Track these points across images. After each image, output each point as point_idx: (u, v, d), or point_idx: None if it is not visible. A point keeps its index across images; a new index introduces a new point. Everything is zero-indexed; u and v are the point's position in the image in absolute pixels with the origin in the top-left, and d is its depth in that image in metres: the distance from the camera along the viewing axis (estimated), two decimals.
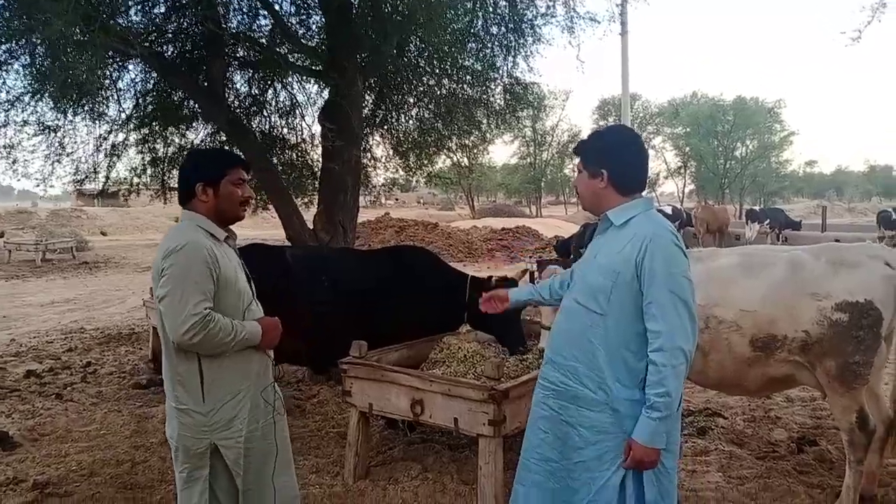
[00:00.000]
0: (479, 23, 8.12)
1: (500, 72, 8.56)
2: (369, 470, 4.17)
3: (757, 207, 29.00)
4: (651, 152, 53.52)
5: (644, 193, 2.52)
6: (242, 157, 2.83)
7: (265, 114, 8.59)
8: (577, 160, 2.59)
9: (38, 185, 7.73)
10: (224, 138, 7.88)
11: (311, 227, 6.63)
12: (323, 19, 7.23)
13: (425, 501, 3.76)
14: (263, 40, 7.33)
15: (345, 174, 6.72)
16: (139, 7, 6.75)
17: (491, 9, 8.08)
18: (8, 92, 6.65)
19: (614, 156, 2.47)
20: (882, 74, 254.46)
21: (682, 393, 2.33)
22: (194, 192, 2.56)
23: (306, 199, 8.49)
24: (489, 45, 8.32)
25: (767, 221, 22.03)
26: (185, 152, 3.07)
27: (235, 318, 2.51)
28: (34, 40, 5.11)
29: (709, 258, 3.92)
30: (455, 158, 12.16)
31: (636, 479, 2.36)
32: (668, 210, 22.44)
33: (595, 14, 8.16)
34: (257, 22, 7.51)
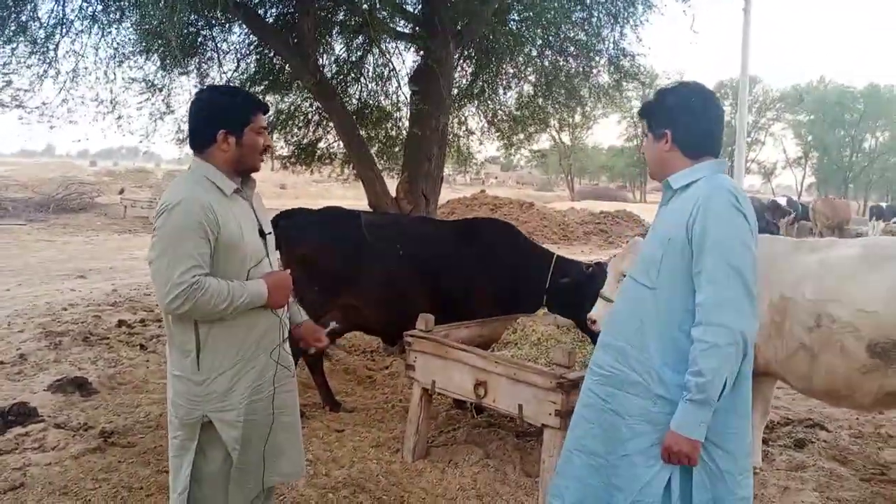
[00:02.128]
0: None
1: (606, 43, 8.11)
2: (430, 450, 3.99)
3: (883, 204, 26.63)
4: (769, 140, 50.50)
5: (718, 157, 2.21)
6: (263, 100, 2.55)
7: (362, 80, 8.53)
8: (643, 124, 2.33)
9: (140, 142, 8.01)
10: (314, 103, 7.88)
11: (393, 195, 6.49)
12: None
13: (484, 489, 3.53)
14: (365, 5, 7.23)
15: (430, 141, 6.52)
16: None
17: None
18: (117, 49, 6.91)
19: (679, 114, 2.19)
20: None
21: (729, 383, 1.99)
22: (213, 140, 2.33)
23: (392, 168, 8.37)
24: (595, 13, 7.89)
25: (894, 220, 20.13)
26: (200, 90, 2.77)
27: (239, 278, 2.30)
28: None
29: (825, 248, 3.44)
30: (556, 136, 11.77)
31: (685, 478, 2.08)
32: (783, 201, 20.97)
33: None
34: None
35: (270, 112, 8.51)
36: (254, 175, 2.52)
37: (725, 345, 1.93)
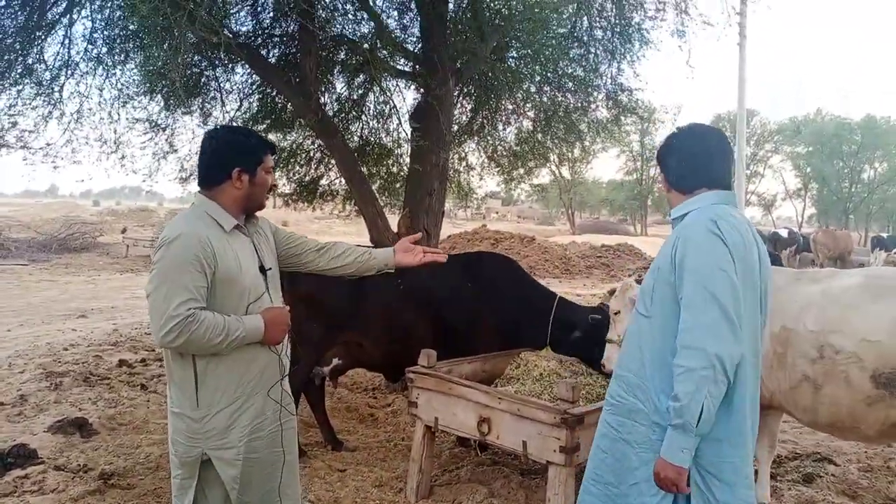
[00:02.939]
0: (583, 26, 7.85)
1: (604, 78, 8.23)
2: (433, 489, 3.94)
3: (885, 234, 26.63)
4: (768, 172, 50.74)
5: (721, 188, 2.25)
6: (272, 141, 2.60)
7: (363, 118, 8.64)
8: None
9: (143, 181, 8.07)
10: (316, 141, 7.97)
11: (394, 230, 6.51)
12: (420, 20, 7.15)
13: None
14: (366, 45, 7.36)
15: (431, 177, 6.57)
16: (247, 9, 6.96)
17: (596, 11, 7.78)
18: (121, 90, 7.01)
19: (666, 156, 2.35)
20: None
21: (708, 409, 1.96)
22: (228, 177, 2.36)
23: (393, 204, 8.42)
24: (593, 49, 8.03)
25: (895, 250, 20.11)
26: (213, 129, 2.81)
27: (237, 313, 2.29)
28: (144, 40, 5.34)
29: (826, 279, 3.43)
30: (556, 171, 11.89)
31: None
32: (784, 233, 20.99)
33: (709, 17, 7.66)
34: (359, 27, 7.57)
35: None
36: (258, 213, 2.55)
37: (700, 368, 1.94)
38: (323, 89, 7.65)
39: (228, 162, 2.37)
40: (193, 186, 9.06)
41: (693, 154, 2.28)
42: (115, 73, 6.80)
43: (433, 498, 3.83)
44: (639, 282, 4.13)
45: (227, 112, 7.96)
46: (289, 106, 7.70)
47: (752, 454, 2.18)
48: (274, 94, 7.88)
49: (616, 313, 3.94)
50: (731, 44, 19.76)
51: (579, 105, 8.53)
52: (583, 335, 4.38)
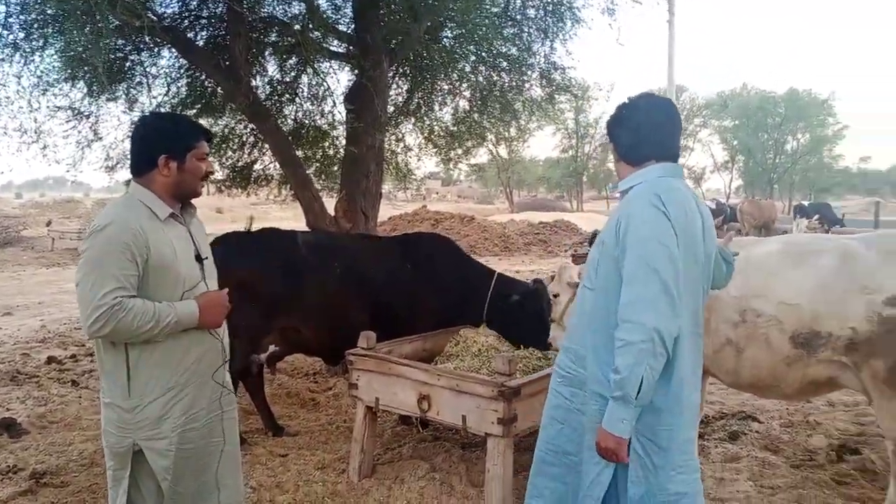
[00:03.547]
0: (516, 5, 7.88)
1: (538, 57, 8.30)
2: (375, 468, 3.97)
3: (806, 202, 27.93)
4: (697, 146, 52.27)
5: (668, 161, 2.26)
6: (207, 128, 2.55)
7: (297, 101, 8.48)
8: None
9: (67, 171, 7.75)
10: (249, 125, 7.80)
11: (331, 213, 6.46)
12: (352, 1, 7.06)
13: (430, 502, 3.54)
14: (297, 26, 7.21)
15: (367, 159, 6.53)
16: None
17: None
18: (41, 77, 6.68)
19: (621, 125, 2.33)
20: None
21: (648, 381, 1.99)
22: (155, 165, 2.31)
23: (331, 187, 8.33)
24: (526, 28, 8.08)
25: (816, 217, 21.13)
26: (143, 115, 2.78)
27: (172, 300, 2.26)
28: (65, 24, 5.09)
29: (749, 246, 3.59)
30: (493, 150, 11.96)
31: (625, 474, 2.16)
32: (712, 205, 21.75)
33: None
34: (289, 7, 7.41)
35: None
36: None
37: (639, 342, 1.97)
38: (254, 72, 7.47)
39: (155, 149, 2.32)
40: (121, 175, 8.74)
41: (642, 125, 2.27)
42: (33, 60, 6.46)
43: (376, 476, 3.86)
44: (577, 257, 4.25)
45: (153, 98, 7.68)
46: (219, 90, 7.51)
47: (695, 422, 2.25)
48: (203, 78, 7.65)
49: (555, 296, 4.02)
50: (661, 22, 20.17)
51: (514, 84, 8.58)
52: (519, 312, 4.46)
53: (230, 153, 8.44)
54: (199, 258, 2.41)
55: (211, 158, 7.79)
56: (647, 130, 2.27)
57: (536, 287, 4.61)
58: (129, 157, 2.45)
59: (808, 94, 47.19)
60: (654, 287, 1.99)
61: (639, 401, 2.00)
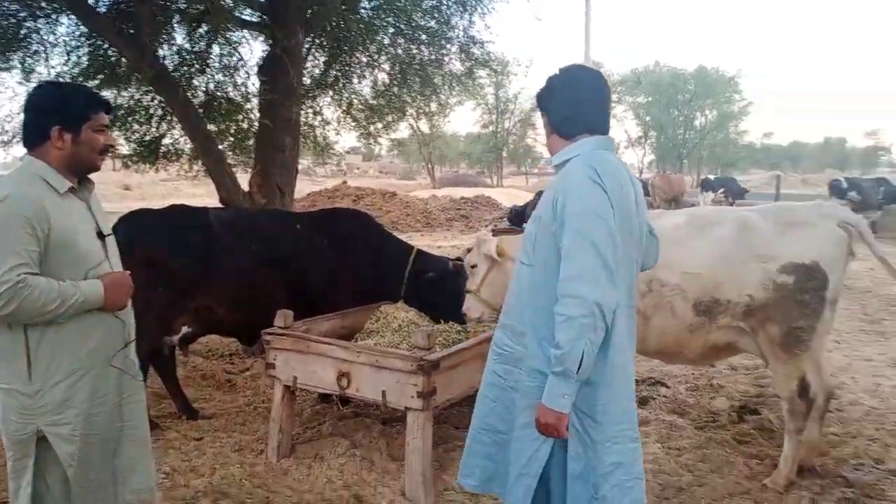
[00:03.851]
0: None
1: (457, 31, 8.27)
2: (294, 447, 3.93)
3: (712, 177, 29.29)
4: (613, 122, 53.78)
5: (601, 134, 2.25)
6: (106, 98, 2.42)
7: (208, 71, 8.13)
8: None
9: None
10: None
11: (245, 189, 6.27)
12: None
13: (350, 479, 3.54)
14: None
15: (283, 132, 6.36)
16: None
17: None
18: None
19: (551, 97, 2.29)
20: (838, 48, 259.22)
21: (588, 355, 1.97)
22: (48, 136, 2.18)
23: (246, 162, 8.07)
24: (445, 1, 8.03)
25: (722, 190, 22.23)
26: (38, 85, 2.63)
27: (75, 279, 2.16)
28: None
29: (654, 219, 3.71)
30: (414, 125, 11.87)
31: (564, 450, 2.17)
32: None
33: None
34: None
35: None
36: (94, 176, 2.37)
37: (580, 316, 1.95)
38: (161, 41, 7.11)
39: (48, 120, 2.20)
40: (18, 151, 8.20)
41: (576, 98, 2.24)
42: None
43: (295, 456, 3.82)
44: (495, 232, 4.29)
45: (52, 67, 7.22)
46: (123, 59, 7.10)
47: (632, 393, 2.25)
48: (106, 46, 7.22)
49: (473, 266, 4.05)
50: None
51: (433, 58, 8.53)
52: (437, 288, 4.49)
53: (137, 126, 8.02)
54: (100, 235, 2.31)
55: (116, 132, 7.37)
56: (580, 103, 2.24)
57: (454, 265, 4.64)
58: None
59: (715, 72, 49.20)
60: (592, 261, 1.98)
61: (579, 375, 1.99)
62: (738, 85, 49.13)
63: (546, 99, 2.31)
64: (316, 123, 9.16)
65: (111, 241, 2.37)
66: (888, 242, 16.35)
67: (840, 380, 5.20)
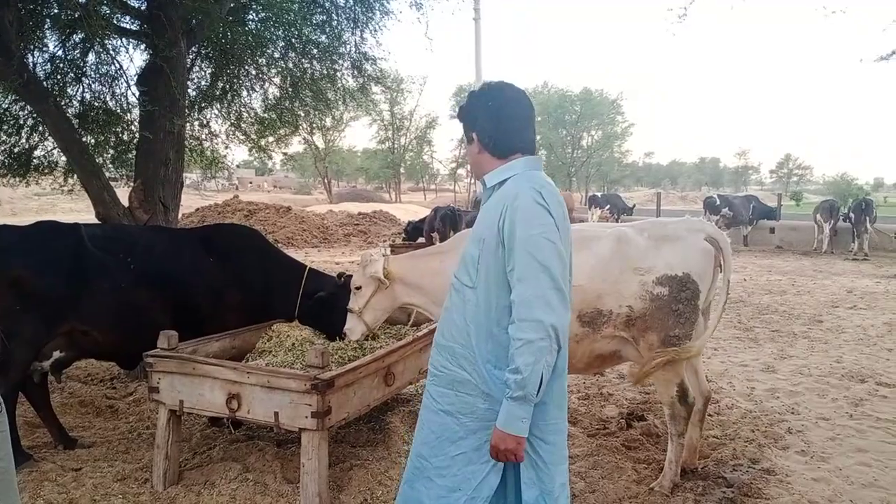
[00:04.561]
0: None
1: (348, 46, 8.26)
2: (182, 474, 3.74)
3: (599, 194, 30.71)
4: None
5: (531, 154, 2.27)
6: None
7: (84, 80, 7.67)
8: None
9: None
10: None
11: (125, 204, 5.93)
12: None
13: None
14: None
15: (165, 145, 6.08)
16: None
17: None
18: None
19: (483, 115, 2.25)
20: (710, 67, 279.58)
21: (545, 377, 2.00)
22: None
23: (130, 176, 7.67)
24: (335, 16, 8.01)
25: (608, 207, 23.37)
26: None
27: None
28: None
29: None
30: (308, 139, 11.67)
31: (517, 474, 2.15)
32: None
33: None
34: None
35: None
36: None
37: (538, 339, 1.96)
38: (31, 48, 6.65)
39: None
40: None
41: (510, 117, 2.23)
42: None
43: (183, 483, 3.64)
44: (395, 248, 4.27)
45: None
46: None
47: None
48: None
49: (357, 288, 3.97)
50: (469, 20, 21.02)
51: (325, 72, 8.47)
52: (328, 307, 4.42)
53: (4, 137, 7.45)
54: None
55: None
56: (511, 121, 2.23)
57: (344, 281, 4.59)
58: None
59: (599, 94, 51.70)
60: (545, 284, 1.99)
61: (537, 398, 2.00)
62: (620, 107, 51.89)
63: (473, 117, 2.28)
64: (203, 136, 8.86)
65: None
66: (757, 255, 17.82)
67: (718, 385, 5.57)
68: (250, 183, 59.29)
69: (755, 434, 4.46)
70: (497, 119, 2.23)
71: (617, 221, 21.89)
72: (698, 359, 3.80)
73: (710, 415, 4.22)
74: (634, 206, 25.92)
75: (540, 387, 1.98)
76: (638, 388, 5.46)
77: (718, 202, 21.08)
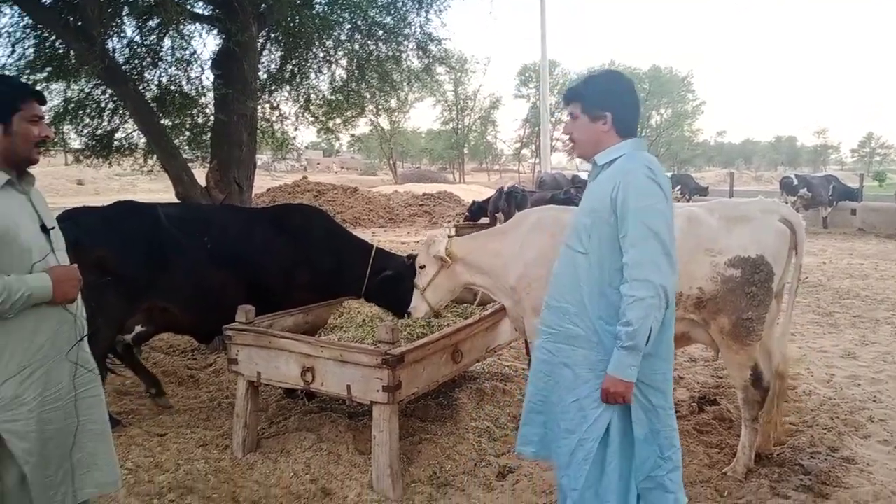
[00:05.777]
0: None
1: (413, 27, 8.28)
2: (260, 442, 3.92)
3: (669, 174, 29.94)
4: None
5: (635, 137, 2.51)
6: (36, 88, 2.38)
7: (160, 65, 7.97)
8: (568, 107, 2.56)
9: None
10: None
11: (202, 184, 6.17)
12: None
13: (318, 472, 3.54)
14: None
15: (239, 127, 6.28)
16: None
17: None
18: None
19: (617, 98, 2.48)
20: (787, 48, 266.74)
21: (654, 330, 2.27)
22: None
23: (204, 157, 7.95)
24: None
25: (678, 187, 22.73)
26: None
27: (20, 274, 2.13)
28: None
29: None
30: (374, 121, 11.78)
31: (625, 417, 2.40)
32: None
33: None
34: None
35: (57, 101, 7.70)
36: (47, 170, 2.33)
37: (648, 297, 2.22)
38: (110, 33, 6.95)
39: None
40: None
41: (637, 102, 2.52)
42: None
43: (261, 451, 3.81)
44: (458, 228, 4.31)
45: None
46: (71, 52, 6.92)
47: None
48: (53, 38, 7.03)
49: (422, 267, 4.04)
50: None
51: (391, 54, 8.52)
52: (395, 286, 4.48)
53: (88, 120, 7.82)
54: (44, 228, 2.28)
55: (66, 126, 7.14)
56: (637, 107, 2.52)
57: (412, 262, 4.65)
58: None
59: (669, 72, 50.21)
60: (656, 248, 2.25)
61: (646, 349, 2.26)
62: (690, 85, 50.25)
63: (607, 98, 2.47)
64: (273, 118, 9.08)
65: (56, 235, 2.35)
66: (837, 237, 17.03)
67: (795, 370, 5.39)
68: (318, 164, 60.41)
69: (834, 422, 4.30)
70: (627, 103, 2.49)
71: (688, 202, 21.30)
72: (771, 340, 3.68)
73: (786, 402, 4.09)
74: (708, 187, 25.11)
75: (648, 339, 2.25)
76: (710, 372, 5.36)
77: (796, 182, 20.17)
